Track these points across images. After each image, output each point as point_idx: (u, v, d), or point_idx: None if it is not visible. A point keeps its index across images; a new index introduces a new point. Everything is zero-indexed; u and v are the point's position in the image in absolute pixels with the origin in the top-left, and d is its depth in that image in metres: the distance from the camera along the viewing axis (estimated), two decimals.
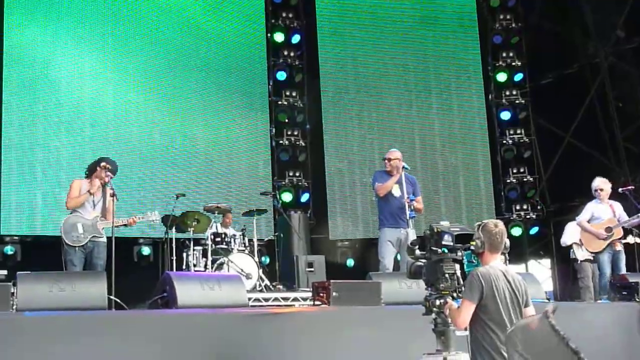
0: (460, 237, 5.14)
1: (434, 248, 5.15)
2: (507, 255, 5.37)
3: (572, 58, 15.56)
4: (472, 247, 5.15)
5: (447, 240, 5.10)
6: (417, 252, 5.32)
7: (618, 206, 10.48)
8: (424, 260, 5.27)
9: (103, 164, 8.85)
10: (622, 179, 13.53)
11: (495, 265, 5.15)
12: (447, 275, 5.10)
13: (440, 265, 5.12)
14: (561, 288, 14.96)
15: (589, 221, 10.47)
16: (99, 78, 13.37)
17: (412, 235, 9.26)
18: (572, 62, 15.56)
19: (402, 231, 9.32)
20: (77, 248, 8.47)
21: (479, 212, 15.09)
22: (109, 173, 8.80)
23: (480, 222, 5.24)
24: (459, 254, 5.17)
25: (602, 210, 10.44)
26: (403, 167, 9.46)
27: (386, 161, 9.67)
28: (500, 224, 5.22)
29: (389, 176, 9.59)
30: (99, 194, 8.81)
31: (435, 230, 5.17)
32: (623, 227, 10.20)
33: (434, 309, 5.12)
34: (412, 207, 9.27)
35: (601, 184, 10.58)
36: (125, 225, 8.94)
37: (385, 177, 9.63)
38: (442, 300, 5.09)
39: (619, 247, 10.31)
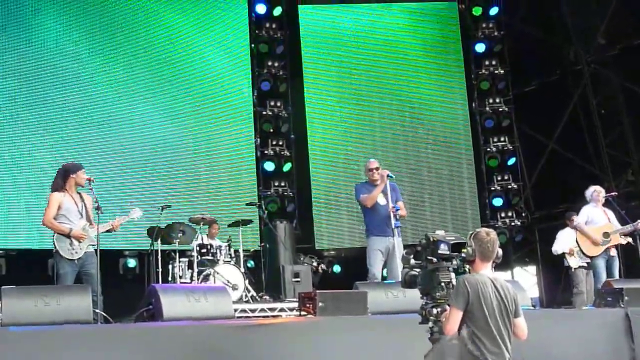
0: (455, 246, 5.16)
1: (429, 257, 5.15)
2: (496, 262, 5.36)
3: (555, 65, 15.68)
4: (463, 255, 5.15)
5: (444, 249, 5.09)
6: (412, 261, 5.32)
7: (611, 213, 10.55)
8: (418, 270, 5.27)
9: (80, 172, 8.57)
10: (606, 185, 13.61)
11: (484, 273, 5.15)
12: (443, 284, 5.09)
13: (437, 274, 5.12)
14: (547, 294, 15.01)
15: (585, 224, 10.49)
16: (82, 89, 13.35)
17: (399, 244, 9.28)
18: (554, 69, 15.67)
19: (390, 240, 9.31)
20: (75, 261, 8.25)
21: (464, 220, 15.15)
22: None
23: (472, 231, 5.25)
24: (454, 262, 5.18)
25: (597, 215, 10.47)
26: (388, 176, 9.46)
27: (372, 172, 9.60)
28: (493, 233, 5.21)
29: (372, 186, 9.56)
30: (80, 202, 8.52)
31: (432, 240, 5.16)
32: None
33: (431, 317, 5.12)
34: (397, 217, 9.28)
35: (598, 187, 10.67)
36: (109, 230, 8.54)
37: (369, 188, 9.59)
38: (439, 309, 5.09)
39: (613, 252, 10.34)
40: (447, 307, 5.10)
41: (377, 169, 9.57)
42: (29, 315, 6.62)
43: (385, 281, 9.24)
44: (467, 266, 5.21)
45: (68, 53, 13.36)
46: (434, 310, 5.10)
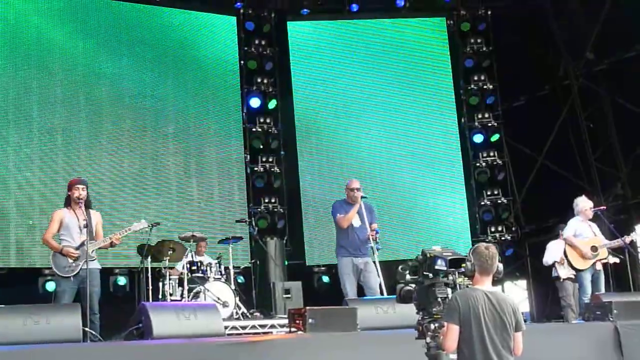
0: (452, 262, 5.18)
1: (426, 273, 5.18)
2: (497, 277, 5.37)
3: (543, 80, 15.74)
4: (462, 270, 5.17)
5: (441, 265, 5.13)
6: (408, 276, 5.33)
7: (596, 227, 10.59)
8: (414, 285, 5.29)
9: (73, 188, 8.63)
10: (595, 199, 13.65)
11: (481, 287, 5.17)
12: (439, 299, 5.12)
13: (433, 289, 5.15)
14: (537, 309, 15.01)
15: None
16: (70, 106, 13.32)
17: (372, 262, 9.32)
18: (543, 84, 15.73)
19: (360, 260, 9.38)
20: (71, 278, 8.28)
21: (455, 235, 15.15)
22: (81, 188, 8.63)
23: (473, 246, 5.30)
24: (450, 278, 5.20)
25: (584, 229, 10.52)
26: (362, 197, 9.50)
27: (353, 192, 9.62)
28: (492, 247, 5.26)
29: (349, 206, 9.60)
30: (83, 217, 8.49)
31: (429, 256, 5.19)
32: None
33: (429, 333, 5.12)
34: (377, 240, 9.29)
35: (587, 202, 10.68)
36: (112, 245, 8.62)
37: (346, 208, 9.62)
38: (436, 324, 5.10)
39: (599, 266, 10.38)
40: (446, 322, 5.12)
41: (357, 189, 9.59)
42: (18, 335, 6.61)
43: (366, 297, 9.27)
44: (461, 280, 5.23)
45: (53, 70, 13.34)
46: (432, 326, 5.12)
